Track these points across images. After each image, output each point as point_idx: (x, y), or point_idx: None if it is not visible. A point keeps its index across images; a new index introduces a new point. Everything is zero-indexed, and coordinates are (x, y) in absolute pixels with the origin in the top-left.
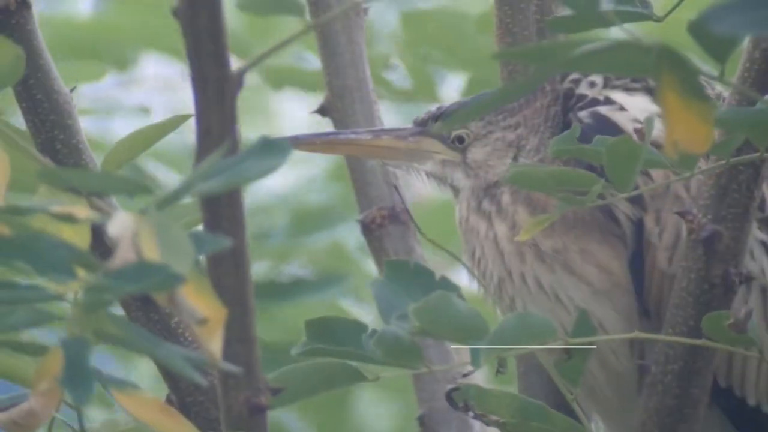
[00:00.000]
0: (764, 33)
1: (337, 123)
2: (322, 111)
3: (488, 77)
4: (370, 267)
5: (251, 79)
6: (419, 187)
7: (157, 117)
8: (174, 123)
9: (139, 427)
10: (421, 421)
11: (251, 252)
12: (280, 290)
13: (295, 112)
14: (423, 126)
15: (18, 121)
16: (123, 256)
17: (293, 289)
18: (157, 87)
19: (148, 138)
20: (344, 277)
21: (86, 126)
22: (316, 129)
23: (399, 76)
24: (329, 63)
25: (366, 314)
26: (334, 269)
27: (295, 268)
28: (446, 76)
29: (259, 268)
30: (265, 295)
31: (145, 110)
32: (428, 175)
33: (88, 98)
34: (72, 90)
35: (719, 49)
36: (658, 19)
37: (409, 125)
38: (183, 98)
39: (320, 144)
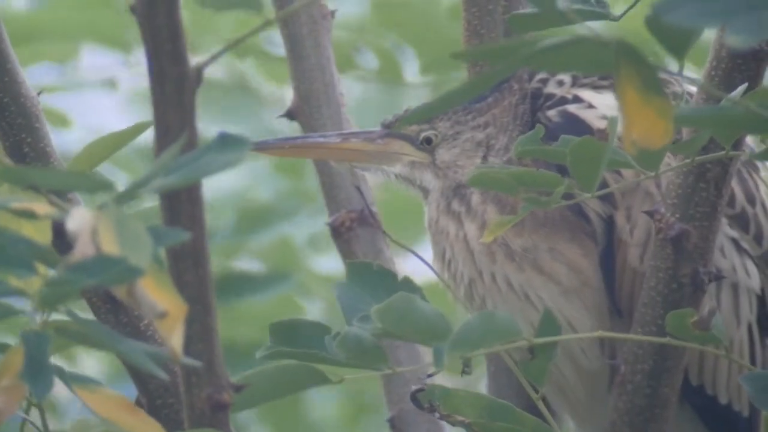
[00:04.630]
0: (714, 24)
1: (304, 126)
2: (290, 115)
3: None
4: (318, 263)
5: None
6: None
7: (100, 107)
8: (136, 130)
9: (110, 429)
10: (391, 423)
11: None
12: (229, 287)
13: None
14: (391, 128)
15: None
16: (82, 250)
17: (243, 286)
18: (97, 78)
19: (110, 145)
20: (292, 274)
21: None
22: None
23: (366, 58)
24: (296, 67)
25: (315, 308)
26: (282, 265)
27: (245, 264)
28: (412, 57)
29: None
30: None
31: (111, 84)
32: (397, 177)
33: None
34: (39, 94)
35: (676, 43)
36: (615, 18)
37: (377, 128)
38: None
39: (288, 148)
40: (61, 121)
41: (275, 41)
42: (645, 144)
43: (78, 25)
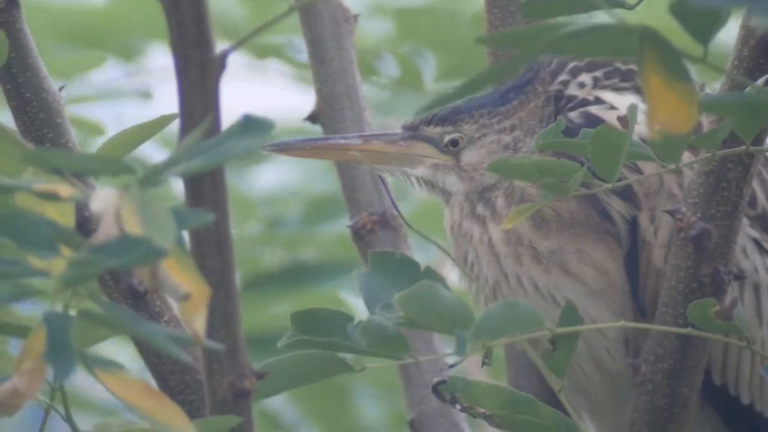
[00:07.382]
0: (739, 6)
1: (326, 129)
2: (312, 118)
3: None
4: None
5: None
6: None
7: (163, 107)
8: (162, 122)
9: (132, 429)
10: (412, 424)
11: (263, 239)
12: (288, 278)
13: None
14: (414, 130)
15: (7, 119)
16: (106, 231)
17: (301, 277)
18: (163, 77)
19: (136, 137)
20: (351, 266)
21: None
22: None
23: (388, 65)
24: (319, 70)
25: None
26: (342, 257)
27: (306, 256)
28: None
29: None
30: (274, 283)
31: (146, 95)
32: (419, 180)
33: (94, 87)
34: (61, 89)
35: (702, 29)
36: (630, 7)
37: (399, 130)
38: None
39: (310, 150)
40: (96, 130)
41: (298, 47)
42: (669, 130)
43: (145, 22)
